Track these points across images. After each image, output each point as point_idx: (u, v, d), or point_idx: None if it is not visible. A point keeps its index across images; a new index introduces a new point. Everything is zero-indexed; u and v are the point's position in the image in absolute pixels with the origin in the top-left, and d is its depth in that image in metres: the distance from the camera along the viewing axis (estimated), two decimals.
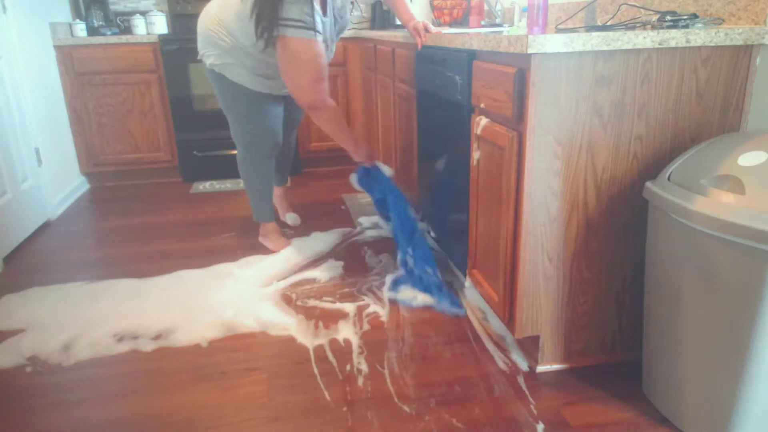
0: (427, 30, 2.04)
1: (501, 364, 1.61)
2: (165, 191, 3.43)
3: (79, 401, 1.51)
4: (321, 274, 2.20)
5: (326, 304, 1.97)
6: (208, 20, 2.14)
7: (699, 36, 1.33)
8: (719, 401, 1.23)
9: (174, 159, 3.57)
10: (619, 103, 1.37)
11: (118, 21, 3.68)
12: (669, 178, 1.28)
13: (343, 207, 2.99)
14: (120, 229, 2.79)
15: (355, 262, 2.30)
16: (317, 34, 1.91)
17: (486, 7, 2.87)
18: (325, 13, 2.03)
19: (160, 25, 3.50)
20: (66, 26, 3.36)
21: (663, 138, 1.42)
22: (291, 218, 2.76)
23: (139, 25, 3.48)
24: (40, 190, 2.87)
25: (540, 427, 1.37)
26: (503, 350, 1.68)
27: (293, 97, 2.10)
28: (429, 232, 2.36)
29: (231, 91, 2.20)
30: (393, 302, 1.97)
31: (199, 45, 2.21)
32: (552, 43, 1.27)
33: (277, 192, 2.76)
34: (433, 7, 3.00)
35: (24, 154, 2.73)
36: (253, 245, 2.50)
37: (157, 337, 1.79)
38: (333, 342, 1.75)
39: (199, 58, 2.24)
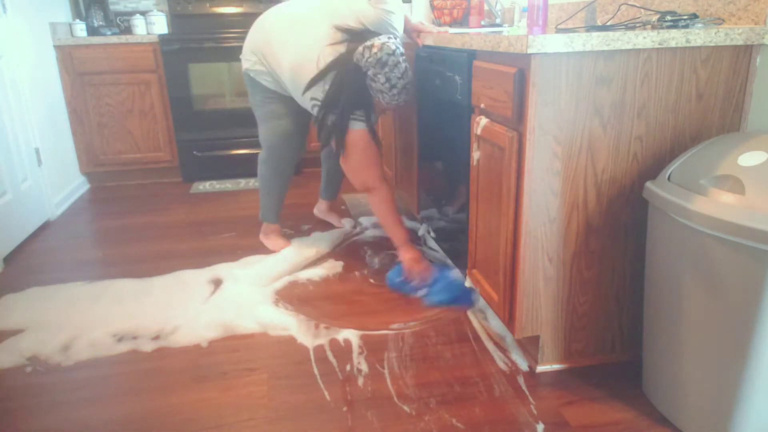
0: (422, 30, 2.12)
1: (501, 364, 1.61)
2: (165, 191, 3.43)
3: (79, 401, 1.51)
4: (321, 273, 2.20)
5: (326, 304, 1.97)
6: (268, 38, 2.11)
7: (699, 36, 1.33)
8: (719, 401, 1.23)
9: (174, 159, 3.57)
10: (619, 103, 1.37)
11: (118, 21, 3.68)
12: (669, 178, 1.28)
13: (343, 207, 2.99)
14: (120, 229, 2.79)
15: (356, 262, 2.30)
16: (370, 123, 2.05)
17: (486, 7, 2.87)
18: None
19: (160, 25, 3.50)
20: (66, 26, 3.37)
21: (663, 138, 1.42)
22: (347, 222, 2.74)
23: (139, 25, 3.48)
24: (40, 190, 2.87)
25: (540, 427, 1.37)
26: (503, 350, 1.68)
27: (349, 178, 2.14)
28: (429, 232, 2.36)
29: (261, 93, 2.24)
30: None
31: (246, 46, 2.21)
32: (552, 43, 1.27)
33: (322, 206, 2.79)
34: (433, 7, 3.00)
35: (24, 154, 2.73)
36: (253, 245, 2.50)
37: (156, 337, 1.79)
38: (333, 342, 1.75)
39: (241, 56, 2.27)
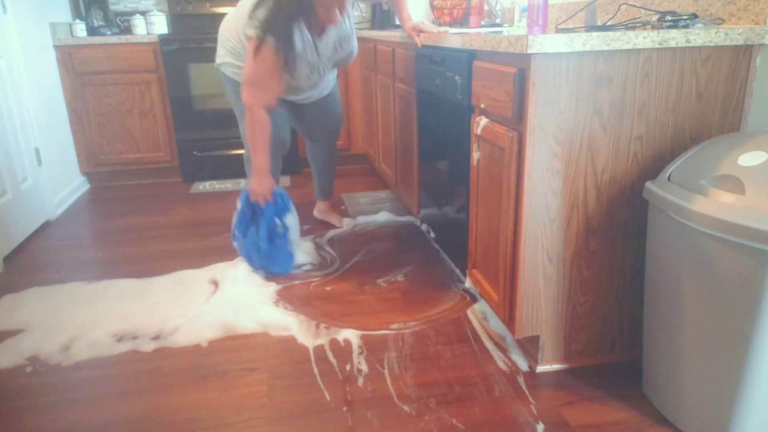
0: (422, 30, 2.10)
1: (501, 364, 1.61)
2: (165, 191, 3.43)
3: (79, 401, 1.51)
4: (321, 273, 2.20)
5: (326, 304, 1.97)
6: (225, 21, 2.20)
7: (699, 36, 1.33)
8: (719, 401, 1.23)
9: (174, 159, 3.57)
10: (619, 103, 1.37)
11: (118, 21, 3.68)
12: (669, 178, 1.28)
13: (343, 207, 2.99)
14: (120, 229, 2.79)
15: (356, 262, 2.30)
16: (282, 48, 1.94)
17: (486, 7, 2.87)
18: (319, 36, 2.07)
19: (160, 25, 3.50)
20: (66, 26, 3.36)
21: (663, 138, 1.42)
22: (348, 222, 2.74)
23: (139, 25, 3.48)
24: (40, 190, 2.87)
25: (540, 427, 1.37)
26: (503, 350, 1.68)
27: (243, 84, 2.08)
28: (429, 232, 2.36)
29: (233, 88, 2.24)
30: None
31: (221, 41, 2.26)
32: (552, 43, 1.27)
33: (321, 207, 2.77)
34: (433, 7, 3.00)
35: (24, 154, 2.73)
36: None
37: (156, 337, 1.79)
38: (333, 342, 1.75)
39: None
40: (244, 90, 2.01)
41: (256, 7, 1.94)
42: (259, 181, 2.11)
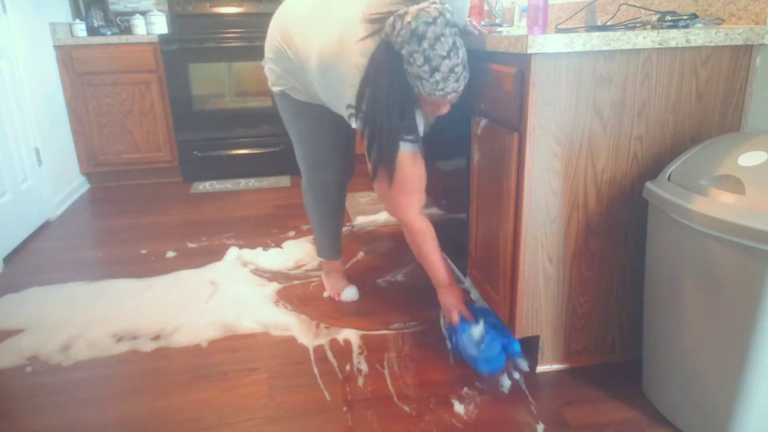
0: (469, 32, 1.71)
1: None
2: (165, 191, 3.43)
3: (79, 401, 1.51)
4: (322, 273, 2.20)
5: (326, 304, 1.97)
6: (286, 33, 1.63)
7: (699, 36, 1.33)
8: (719, 401, 1.23)
9: (174, 159, 3.57)
10: (619, 103, 1.37)
11: (118, 21, 3.68)
12: (669, 179, 1.28)
13: None
14: (120, 229, 2.79)
15: (356, 261, 2.30)
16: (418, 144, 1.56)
17: (486, 7, 2.87)
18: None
19: (160, 25, 3.50)
20: (66, 26, 3.36)
21: (663, 138, 1.42)
22: (349, 293, 2.05)
23: (139, 25, 3.48)
24: (40, 190, 2.87)
25: (540, 427, 1.37)
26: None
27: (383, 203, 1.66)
28: None
29: (290, 109, 1.80)
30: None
31: (266, 55, 1.76)
32: (552, 43, 1.27)
33: (336, 266, 2.10)
34: None
35: (24, 154, 2.73)
36: (252, 245, 2.50)
37: (156, 337, 1.79)
38: (333, 342, 1.75)
39: (262, 63, 1.82)
40: (398, 205, 1.62)
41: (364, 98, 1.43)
42: (445, 293, 1.68)
